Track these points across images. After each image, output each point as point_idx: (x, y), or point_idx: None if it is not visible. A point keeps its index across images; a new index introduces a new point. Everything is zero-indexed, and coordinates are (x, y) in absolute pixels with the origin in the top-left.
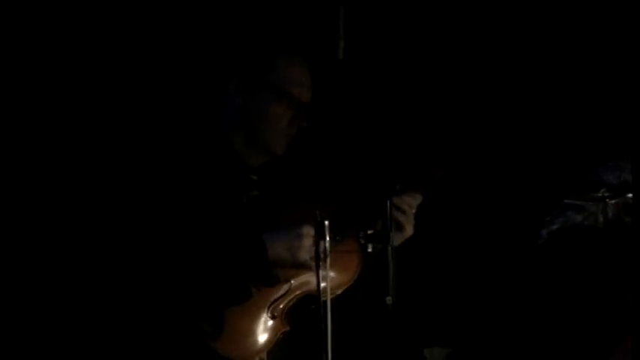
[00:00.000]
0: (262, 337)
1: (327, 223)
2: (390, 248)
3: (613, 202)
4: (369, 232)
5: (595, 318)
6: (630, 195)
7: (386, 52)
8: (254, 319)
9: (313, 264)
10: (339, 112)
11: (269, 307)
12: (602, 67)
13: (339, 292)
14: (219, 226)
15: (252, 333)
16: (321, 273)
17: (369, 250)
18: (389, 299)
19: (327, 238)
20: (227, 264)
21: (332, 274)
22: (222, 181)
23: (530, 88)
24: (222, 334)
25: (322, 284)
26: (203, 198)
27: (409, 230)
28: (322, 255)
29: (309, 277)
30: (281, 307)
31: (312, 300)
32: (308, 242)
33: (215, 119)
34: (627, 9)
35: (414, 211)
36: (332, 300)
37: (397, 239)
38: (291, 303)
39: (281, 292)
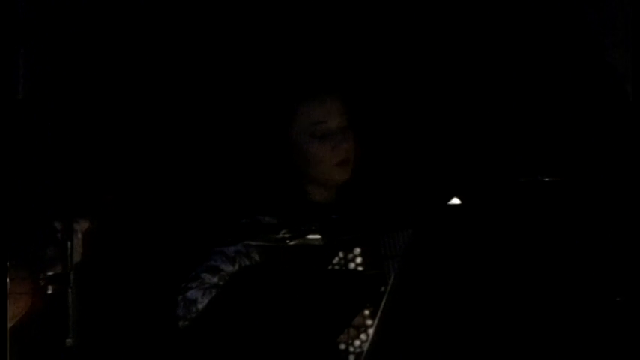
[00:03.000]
0: None
1: None
2: (70, 290)
3: (292, 243)
4: (49, 273)
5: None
6: (310, 236)
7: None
8: None
9: None
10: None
11: None
12: None
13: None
14: None
15: None
16: None
17: (49, 291)
18: (69, 341)
19: None
20: None
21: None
22: None
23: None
24: None
25: None
26: None
27: (77, 256)
28: None
29: None
30: None
31: None
32: None
33: None
34: None
35: (80, 236)
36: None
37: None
38: None
39: None
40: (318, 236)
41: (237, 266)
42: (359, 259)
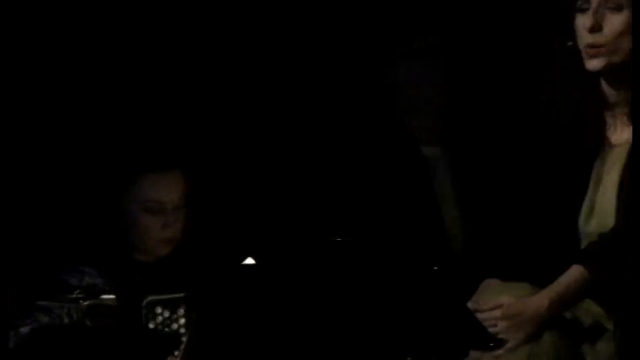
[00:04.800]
0: None
1: None
2: None
3: (86, 303)
4: None
5: None
6: (104, 296)
7: None
8: None
9: None
10: None
11: None
12: None
13: None
14: None
15: None
16: None
17: None
18: None
19: None
20: None
21: None
22: None
23: None
24: None
25: None
26: None
27: None
28: None
29: None
30: None
31: None
32: None
33: None
34: None
35: None
36: None
37: None
38: None
39: None
40: (112, 296)
41: None
42: (182, 320)
